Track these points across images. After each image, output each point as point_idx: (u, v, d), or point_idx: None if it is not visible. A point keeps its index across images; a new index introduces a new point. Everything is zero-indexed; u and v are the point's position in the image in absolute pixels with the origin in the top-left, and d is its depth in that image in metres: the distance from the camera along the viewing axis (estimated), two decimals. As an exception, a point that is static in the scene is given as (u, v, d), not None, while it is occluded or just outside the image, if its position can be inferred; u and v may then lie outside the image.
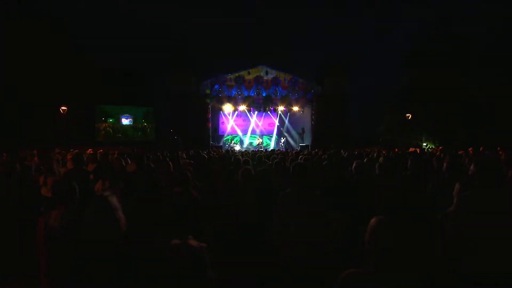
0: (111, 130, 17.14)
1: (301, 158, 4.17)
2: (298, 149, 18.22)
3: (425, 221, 2.08)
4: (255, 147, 19.72)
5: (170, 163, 4.28)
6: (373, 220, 1.13)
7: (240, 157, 4.82)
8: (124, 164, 5.33)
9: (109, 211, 1.49)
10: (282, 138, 20.19)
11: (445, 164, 2.84)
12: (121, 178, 3.94)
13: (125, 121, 17.99)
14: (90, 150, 8.88)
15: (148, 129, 18.32)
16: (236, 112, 20.23)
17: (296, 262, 2.01)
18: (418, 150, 11.27)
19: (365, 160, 3.88)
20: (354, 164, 3.23)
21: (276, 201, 2.21)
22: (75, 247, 1.55)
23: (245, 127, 20.87)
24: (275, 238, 2.14)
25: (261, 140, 20.01)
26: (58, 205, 1.76)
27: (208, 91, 17.42)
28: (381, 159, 4.14)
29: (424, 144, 17.06)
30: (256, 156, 5.30)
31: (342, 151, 7.84)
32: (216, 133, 19.99)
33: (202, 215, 2.51)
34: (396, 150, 10.33)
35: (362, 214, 2.10)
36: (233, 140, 20.30)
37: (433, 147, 14.99)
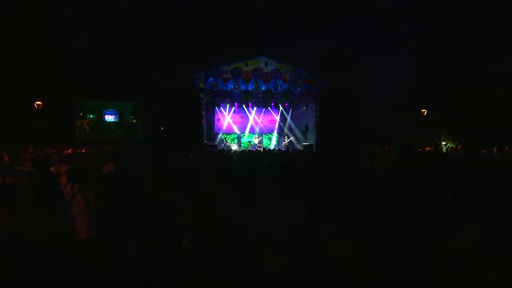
0: (87, 128, 16.91)
1: (296, 159, 4.07)
2: (302, 148, 18.14)
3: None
4: (253, 146, 19.66)
5: (152, 164, 4.22)
6: None
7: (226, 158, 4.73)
8: (101, 165, 5.28)
9: (58, 218, 1.41)
10: (285, 137, 20.10)
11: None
12: (95, 181, 3.91)
13: (109, 118, 17.89)
14: (70, 150, 8.83)
15: (136, 127, 18.23)
16: (233, 108, 20.18)
17: (278, 270, 1.99)
18: (432, 149, 11.18)
19: (368, 164, 3.78)
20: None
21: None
22: (21, 258, 1.46)
23: (243, 124, 20.82)
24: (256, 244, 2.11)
25: (259, 139, 19.93)
26: (4, 212, 1.66)
27: (201, 85, 17.27)
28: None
29: (443, 143, 16.97)
30: (249, 157, 5.20)
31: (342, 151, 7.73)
32: (211, 131, 19.93)
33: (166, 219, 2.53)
34: (416, 149, 10.27)
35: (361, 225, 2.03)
36: (229, 138, 20.25)
37: (452, 146, 14.87)
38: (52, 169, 4.79)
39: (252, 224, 2.23)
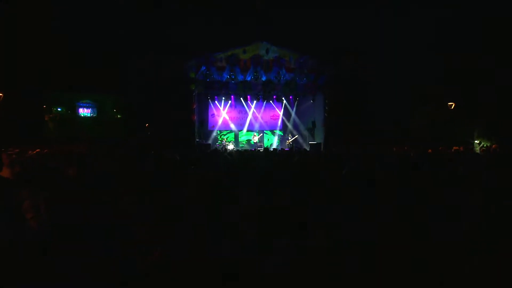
0: (51, 124, 16.50)
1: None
2: (308, 148, 17.91)
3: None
4: (253, 145, 19.50)
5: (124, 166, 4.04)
6: None
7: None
8: (64, 167, 5.11)
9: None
10: (289, 135, 19.89)
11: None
12: (51, 185, 3.73)
13: (84, 112, 17.58)
14: (37, 150, 8.74)
15: (117, 123, 18.01)
16: (229, 102, 19.99)
17: None
18: (461, 148, 10.89)
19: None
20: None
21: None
22: None
23: (240, 120, 20.64)
24: None
25: (259, 137, 19.73)
26: None
27: (192, 75, 17.00)
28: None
29: (477, 141, 16.71)
30: (244, 157, 4.98)
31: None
32: (203, 127, 19.73)
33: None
34: (441, 148, 10.04)
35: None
36: (225, 137, 20.07)
37: (488, 145, 14.55)
38: (5, 172, 4.63)
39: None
